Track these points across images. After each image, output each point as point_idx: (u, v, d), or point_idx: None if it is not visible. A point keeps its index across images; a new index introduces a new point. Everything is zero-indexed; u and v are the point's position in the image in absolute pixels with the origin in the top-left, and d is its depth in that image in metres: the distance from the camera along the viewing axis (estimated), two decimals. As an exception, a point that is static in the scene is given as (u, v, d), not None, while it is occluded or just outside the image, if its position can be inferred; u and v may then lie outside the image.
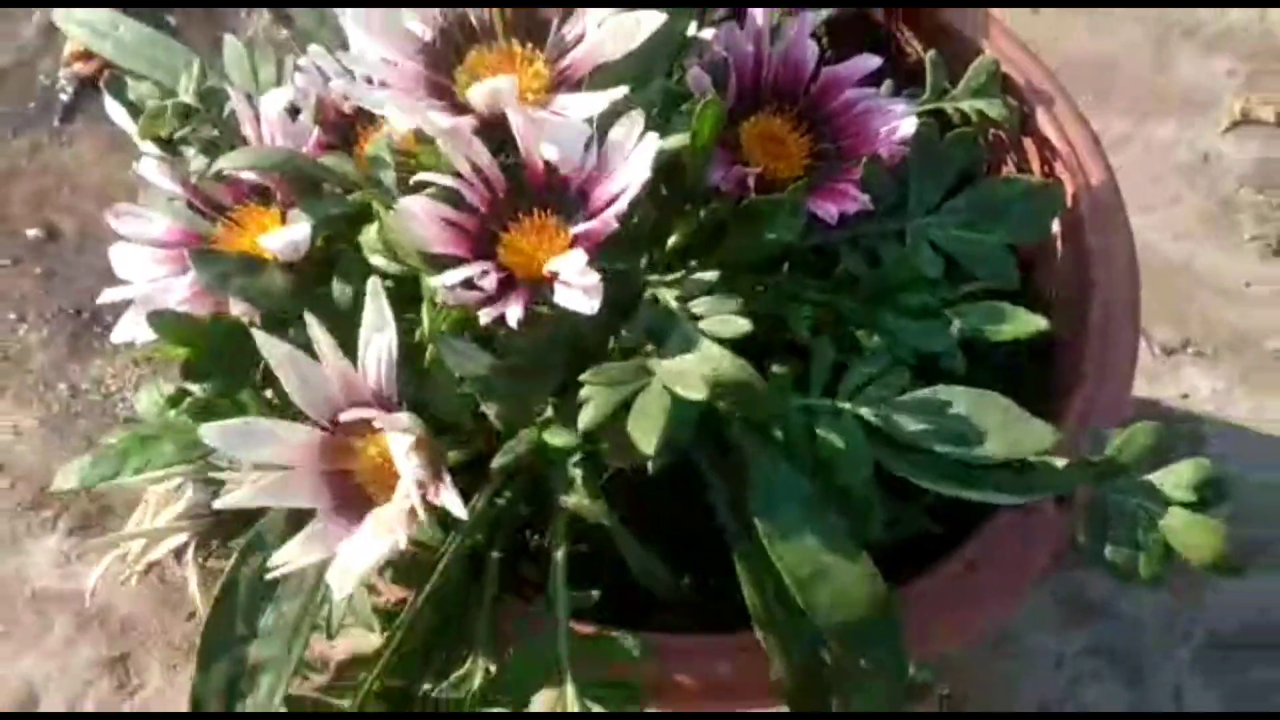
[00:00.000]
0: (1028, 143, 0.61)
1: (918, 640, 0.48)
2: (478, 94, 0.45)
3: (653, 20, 0.46)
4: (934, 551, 0.50)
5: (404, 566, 0.48)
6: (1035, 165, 0.61)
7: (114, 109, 0.57)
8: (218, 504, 0.38)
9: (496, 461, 0.44)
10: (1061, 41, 0.97)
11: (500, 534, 0.50)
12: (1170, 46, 0.97)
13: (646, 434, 0.39)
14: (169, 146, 0.55)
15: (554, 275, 0.43)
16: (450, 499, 0.39)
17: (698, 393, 0.40)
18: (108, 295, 0.50)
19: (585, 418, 0.41)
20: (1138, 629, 0.78)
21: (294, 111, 0.51)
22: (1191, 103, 0.95)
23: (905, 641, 0.45)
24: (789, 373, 0.48)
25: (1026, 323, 0.47)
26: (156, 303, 0.48)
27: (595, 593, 0.47)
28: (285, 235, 0.45)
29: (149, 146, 0.54)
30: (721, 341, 0.42)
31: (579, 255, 0.42)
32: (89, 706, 0.79)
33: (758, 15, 0.54)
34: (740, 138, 0.53)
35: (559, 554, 0.47)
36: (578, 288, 0.42)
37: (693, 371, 0.40)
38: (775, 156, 0.53)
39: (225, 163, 0.45)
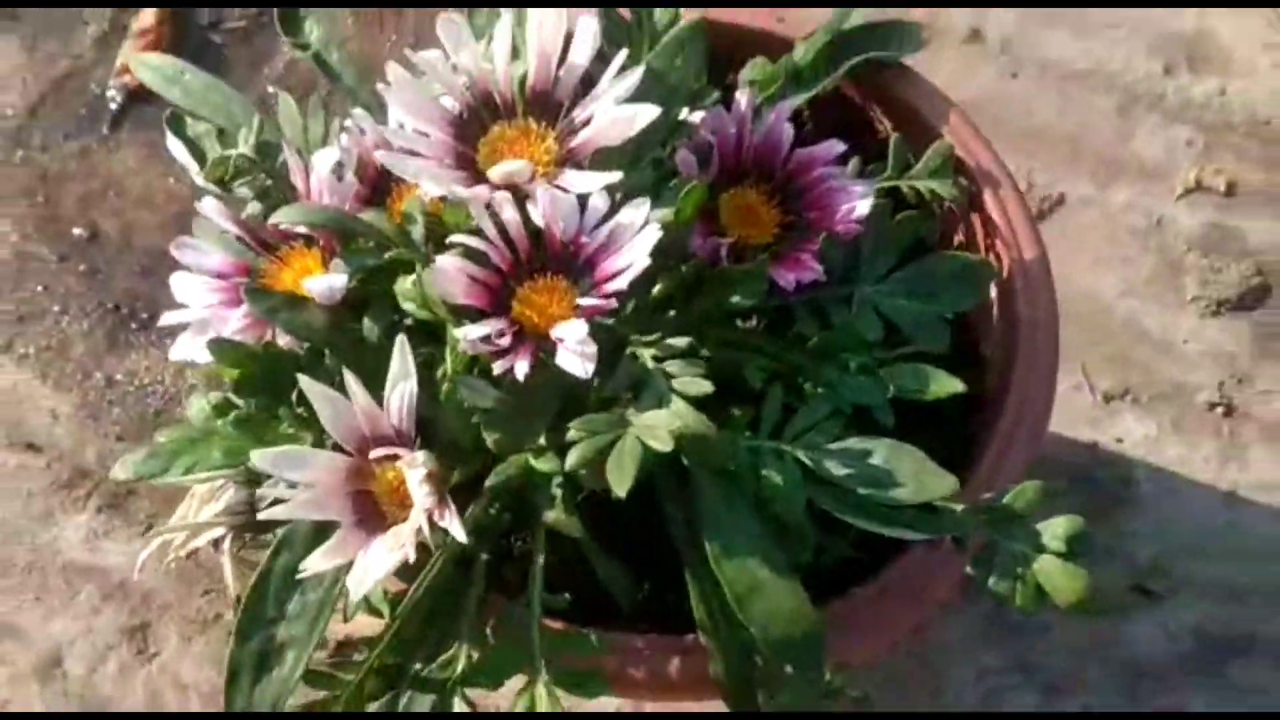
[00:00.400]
0: (975, 218, 0.69)
1: (835, 652, 0.56)
2: (496, 173, 0.53)
3: (648, 113, 0.54)
4: (856, 577, 0.59)
5: (405, 564, 0.56)
6: (980, 239, 0.69)
7: (175, 145, 0.65)
8: (262, 515, 0.47)
9: (490, 480, 0.53)
10: (1035, 110, 1.05)
11: (489, 540, 0.58)
12: (1134, 117, 1.05)
13: (622, 478, 0.48)
14: (224, 185, 0.63)
15: (559, 339, 0.51)
16: (453, 524, 0.47)
17: (665, 445, 0.48)
18: (168, 318, 0.58)
19: (571, 460, 0.50)
20: (1055, 649, 0.86)
21: (339, 166, 0.60)
22: (1150, 170, 1.03)
23: (824, 651, 0.53)
24: (744, 416, 0.57)
25: (946, 384, 0.55)
26: (212, 328, 0.56)
27: (566, 595, 0.56)
28: (325, 281, 0.54)
29: (208, 185, 0.62)
30: (687, 399, 0.50)
31: (580, 325, 0.51)
32: (109, 669, 0.88)
33: (742, 100, 0.62)
34: (720, 208, 0.62)
35: (538, 561, 0.55)
36: (576, 353, 0.50)
37: (662, 426, 0.49)
38: (749, 225, 0.62)
39: (281, 217, 0.53)
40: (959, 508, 0.54)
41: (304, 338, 0.54)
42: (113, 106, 1.08)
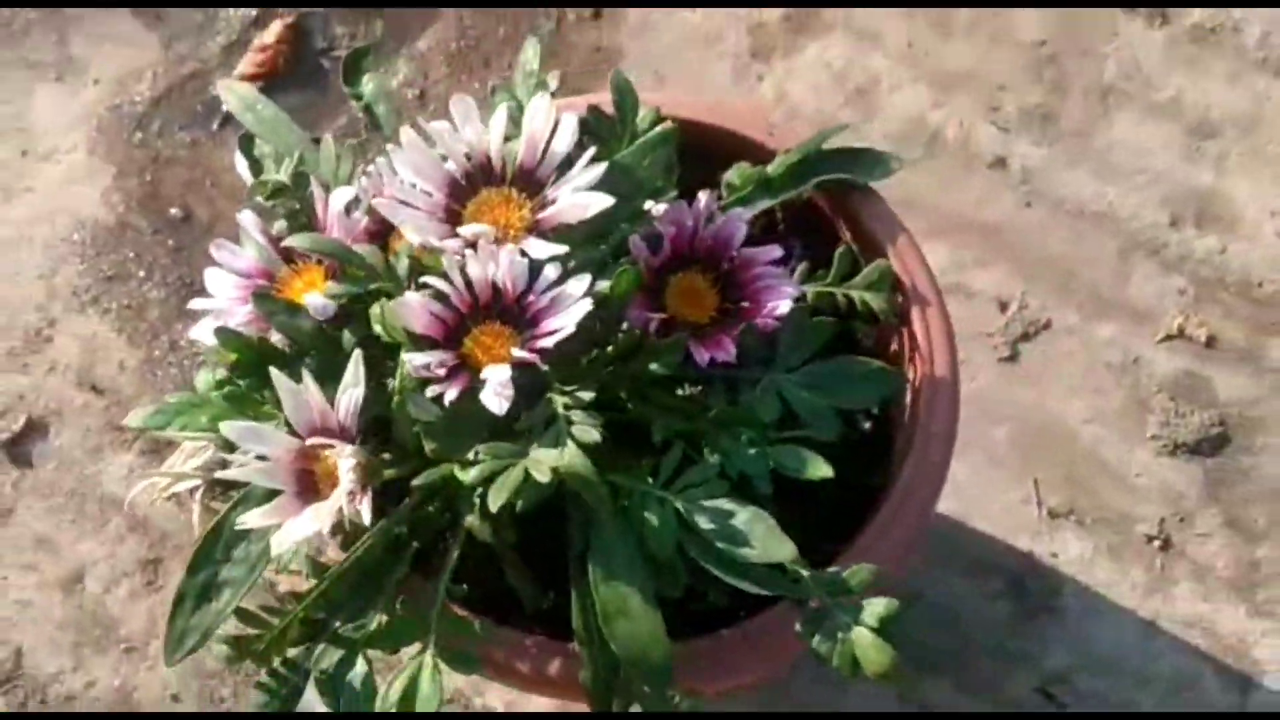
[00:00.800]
0: (905, 331, 0.78)
1: (691, 679, 0.66)
2: (466, 230, 0.65)
3: (601, 202, 0.65)
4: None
5: (346, 538, 0.67)
6: (906, 350, 0.78)
7: (240, 162, 0.78)
8: (220, 473, 0.58)
9: (417, 481, 0.64)
10: (1042, 240, 1.13)
11: (424, 533, 0.69)
12: (1133, 261, 1.12)
13: (496, 497, 0.58)
14: (267, 201, 0.76)
15: (485, 378, 0.62)
16: (364, 510, 0.58)
17: (544, 478, 0.59)
18: (196, 303, 0.71)
19: (470, 476, 0.60)
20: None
21: (355, 203, 0.71)
22: (1138, 312, 1.10)
23: (670, 675, 0.63)
24: (648, 465, 0.67)
25: (819, 469, 0.65)
26: (225, 318, 0.68)
27: (464, 586, 0.66)
28: (317, 300, 0.65)
29: (254, 200, 0.75)
30: (579, 443, 0.60)
31: (504, 370, 0.61)
32: (121, 592, 1.01)
33: (702, 199, 0.73)
34: (667, 287, 0.72)
35: (451, 554, 0.66)
36: (496, 393, 0.61)
37: (548, 462, 0.59)
38: (690, 306, 0.72)
39: (292, 241, 0.66)
40: (806, 573, 0.63)
41: (293, 339, 0.66)
42: (225, 108, 1.23)
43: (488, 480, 0.60)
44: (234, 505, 0.63)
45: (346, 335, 0.67)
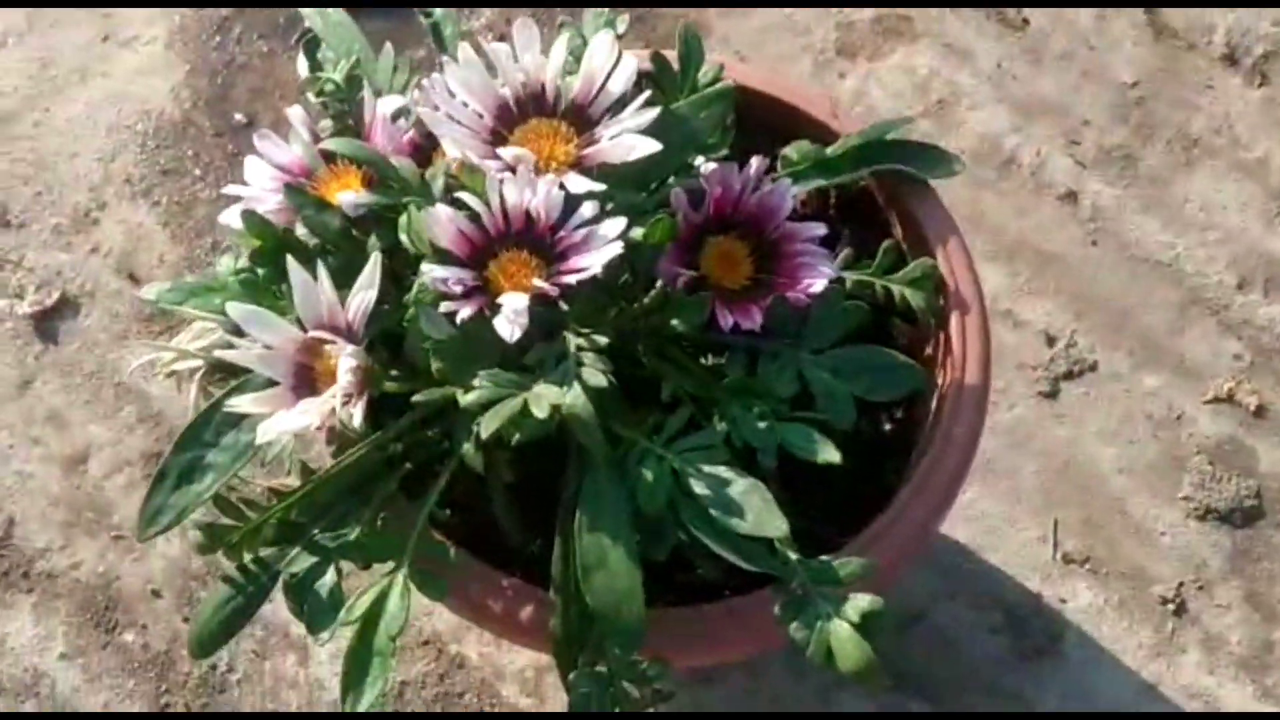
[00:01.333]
0: (941, 334, 0.76)
1: (664, 648, 0.64)
2: (507, 152, 0.63)
3: (646, 147, 0.63)
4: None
5: (339, 447, 0.66)
6: (939, 354, 0.76)
7: (302, 61, 0.77)
8: (218, 353, 0.57)
9: (417, 397, 0.62)
10: (1101, 279, 1.10)
11: (417, 451, 0.68)
12: (1191, 316, 1.09)
13: (488, 423, 0.57)
14: (317, 99, 0.75)
15: (501, 303, 0.60)
16: (355, 414, 0.57)
17: (541, 414, 0.57)
18: (231, 189, 0.70)
19: (469, 398, 0.59)
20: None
21: (402, 113, 0.70)
22: (1187, 368, 1.07)
23: (641, 637, 0.61)
24: (655, 420, 0.65)
25: (827, 453, 0.63)
26: (255, 205, 0.67)
27: (449, 513, 0.65)
28: (349, 198, 0.64)
29: (304, 100, 0.74)
30: (585, 386, 0.59)
31: (521, 299, 0.60)
32: (120, 481, 1.01)
33: (753, 164, 0.71)
34: (702, 247, 0.70)
35: (441, 479, 0.65)
36: (509, 319, 0.59)
37: (549, 399, 0.58)
38: (724, 270, 0.70)
39: (330, 143, 0.65)
40: (794, 556, 0.61)
41: (318, 234, 0.65)
42: (306, 24, 1.22)
43: (485, 407, 0.58)
44: (231, 390, 0.62)
45: (372, 240, 0.66)
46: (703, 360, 0.71)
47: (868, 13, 1.21)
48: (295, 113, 0.72)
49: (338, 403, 0.57)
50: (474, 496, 0.69)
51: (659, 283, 0.69)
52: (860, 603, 0.59)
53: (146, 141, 1.16)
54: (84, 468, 1.02)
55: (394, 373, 0.67)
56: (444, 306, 0.60)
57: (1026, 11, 1.20)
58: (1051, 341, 1.08)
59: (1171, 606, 0.99)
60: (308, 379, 0.60)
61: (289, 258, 0.60)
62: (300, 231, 0.66)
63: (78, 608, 0.97)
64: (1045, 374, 1.07)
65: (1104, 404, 1.06)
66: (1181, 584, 1.00)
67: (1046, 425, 1.05)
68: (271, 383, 0.60)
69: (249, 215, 0.64)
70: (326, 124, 0.72)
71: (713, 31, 1.20)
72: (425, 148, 0.71)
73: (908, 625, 0.97)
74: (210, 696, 0.94)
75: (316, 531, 0.65)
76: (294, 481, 0.67)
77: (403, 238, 0.63)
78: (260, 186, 0.70)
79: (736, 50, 1.20)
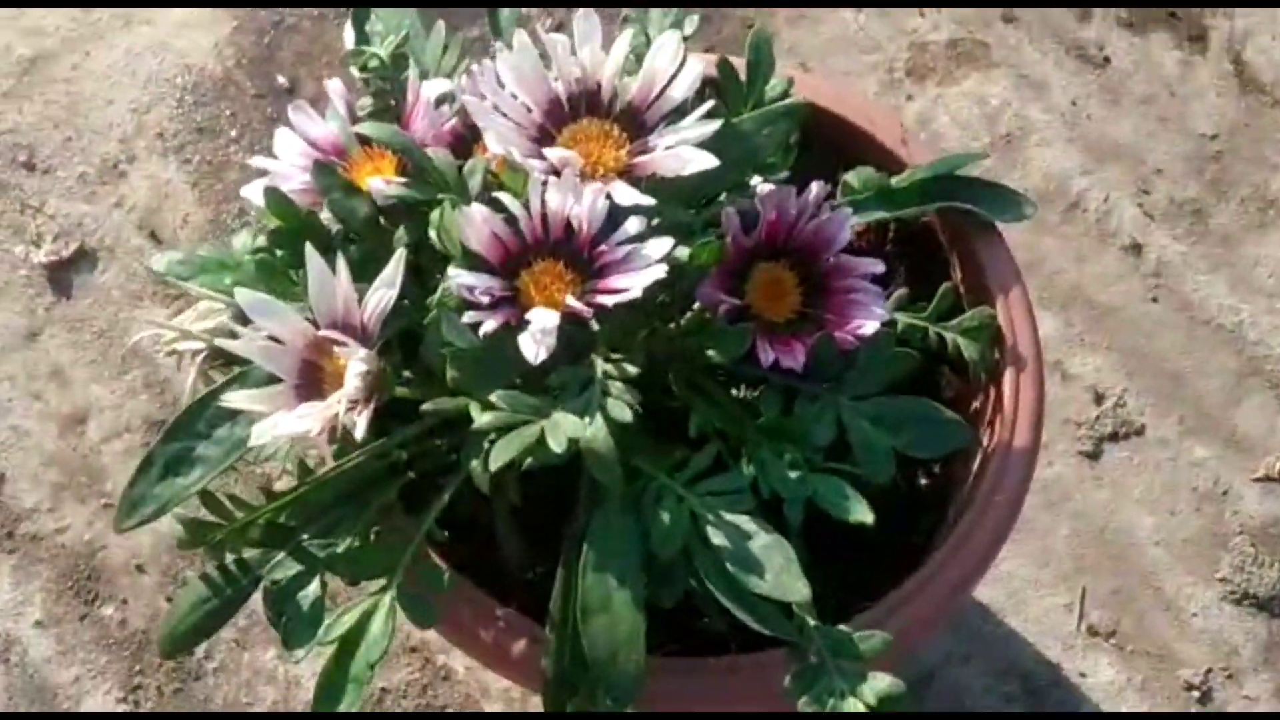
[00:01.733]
0: (993, 389, 0.71)
1: (667, 706, 0.60)
2: (553, 153, 0.59)
3: (702, 162, 0.59)
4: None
5: (340, 449, 0.62)
6: (988, 410, 0.71)
7: (348, 33, 0.73)
8: (220, 342, 0.53)
9: (426, 406, 0.58)
10: (1157, 338, 1.04)
11: (421, 463, 0.63)
12: (1249, 387, 1.03)
13: (500, 453, 0.52)
14: (361, 74, 0.70)
15: (529, 320, 0.56)
16: (360, 422, 0.52)
17: (558, 448, 0.52)
18: (256, 161, 0.66)
19: (484, 419, 0.55)
20: None
21: (447, 99, 0.66)
22: (1239, 441, 1.01)
23: (639, 688, 0.56)
24: (680, 457, 0.60)
25: (859, 513, 0.58)
26: (280, 182, 0.63)
27: (448, 534, 0.60)
28: (382, 187, 0.60)
29: (347, 72, 0.70)
30: (607, 418, 0.54)
31: (551, 316, 0.55)
32: (118, 446, 0.97)
33: (813, 189, 0.66)
34: (749, 274, 0.66)
35: (444, 496, 0.60)
36: (535, 338, 0.55)
37: (567, 431, 0.53)
38: (769, 300, 0.65)
39: (363, 127, 0.60)
40: (813, 622, 0.56)
41: (342, 220, 0.61)
42: (359, -6, 1.18)
43: (500, 430, 0.54)
44: (230, 380, 0.58)
45: (400, 233, 0.61)
46: (735, 392, 0.67)
47: (943, 34, 1.16)
48: (334, 86, 0.68)
49: (341, 409, 0.52)
50: (476, 515, 0.64)
51: (696, 305, 0.65)
52: (879, 684, 0.54)
53: (185, 97, 1.12)
54: (82, 429, 0.98)
55: (407, 375, 0.63)
56: (468, 316, 0.55)
57: (1110, 49, 1.15)
58: (1099, 399, 1.03)
59: (1197, 694, 0.94)
60: (314, 379, 0.55)
61: (308, 245, 0.56)
62: (325, 216, 0.61)
63: (59, 575, 0.94)
64: (1089, 432, 1.02)
65: (1147, 470, 1.01)
66: (1210, 670, 0.94)
67: (1085, 487, 1.00)
68: (274, 379, 0.55)
69: (271, 193, 0.60)
70: (367, 101, 0.68)
71: (780, 39, 1.15)
72: (467, 139, 0.67)
73: (917, 685, 0.92)
74: (184, 683, 0.90)
75: (306, 537, 0.60)
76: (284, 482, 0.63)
77: (432, 235, 0.59)
78: (289, 161, 0.66)
79: (802, 61, 1.15)
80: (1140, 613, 0.96)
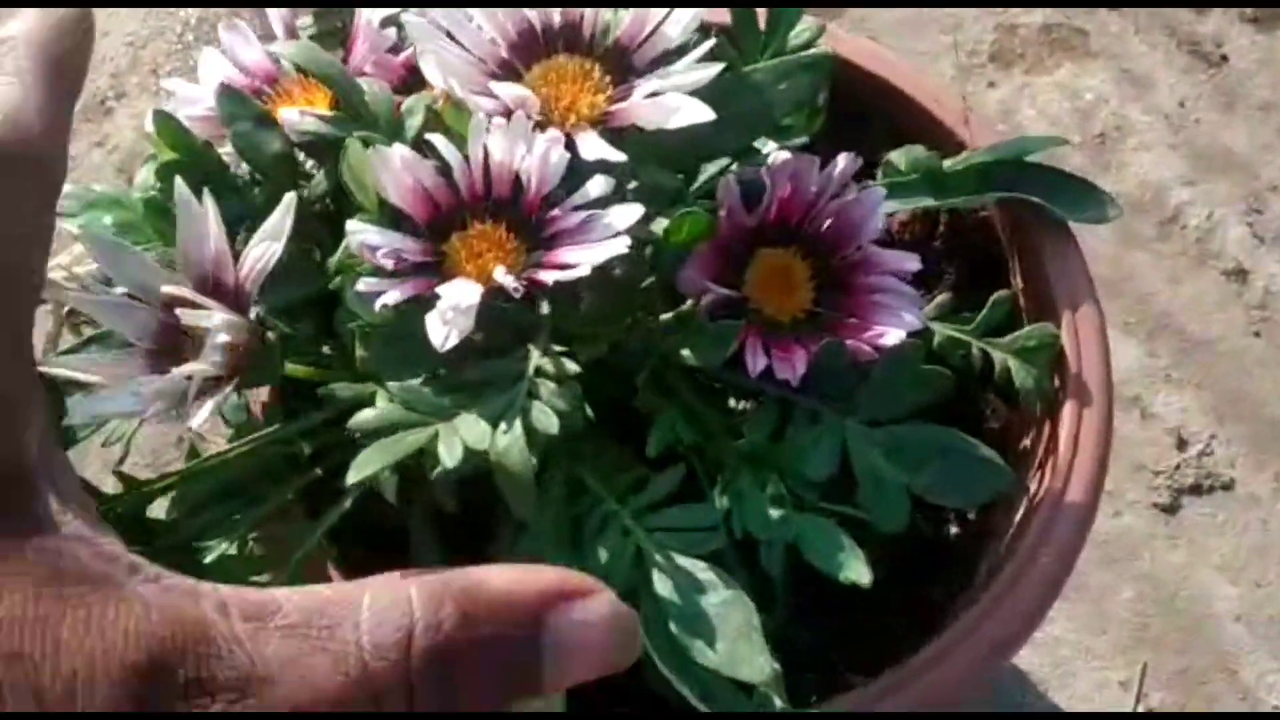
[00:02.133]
0: (1047, 424, 0.58)
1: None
2: (504, 89, 0.47)
3: (693, 113, 0.46)
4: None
5: (237, 431, 0.51)
6: (1039, 450, 0.58)
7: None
8: (56, 295, 0.42)
9: (322, 390, 0.47)
10: (1259, 379, 0.90)
11: (328, 456, 0.52)
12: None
13: (362, 465, 0.41)
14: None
15: (441, 294, 0.44)
16: (202, 411, 0.40)
17: (451, 460, 0.40)
18: (168, 83, 0.55)
19: (362, 416, 0.43)
20: None
21: (393, 25, 0.55)
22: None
23: None
24: (635, 475, 0.48)
25: (854, 570, 0.45)
26: (183, 105, 0.52)
27: (353, 534, 0.49)
28: (296, 120, 0.49)
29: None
30: (529, 429, 0.42)
31: (471, 291, 0.43)
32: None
33: (840, 162, 0.53)
34: (750, 260, 0.53)
35: (344, 501, 0.49)
36: (444, 319, 0.43)
37: (472, 441, 0.41)
38: (773, 294, 0.53)
39: (284, 49, 0.50)
40: (779, 702, 0.44)
41: (247, 157, 0.50)
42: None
43: (386, 430, 0.42)
44: (89, 341, 0.47)
45: (318, 178, 0.50)
46: (722, 403, 0.54)
47: (1036, 16, 1.02)
48: (275, 13, 0.57)
49: (192, 389, 0.41)
50: (389, 519, 0.53)
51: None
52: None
53: (185, 33, 1.02)
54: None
55: (326, 351, 0.52)
56: (363, 284, 0.44)
57: (1229, 46, 1.00)
58: (1183, 445, 0.88)
59: (1274, 801, 0.80)
60: (173, 344, 0.44)
61: (178, 181, 0.44)
62: (224, 149, 0.50)
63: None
64: (1167, 483, 0.87)
65: (1232, 531, 0.86)
66: (1291, 775, 0.80)
67: (1156, 545, 0.86)
68: (129, 343, 0.44)
69: (163, 118, 0.49)
70: (308, 21, 0.57)
71: (844, 14, 1.03)
72: (422, 77, 0.55)
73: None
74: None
75: (181, 534, 0.49)
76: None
77: (345, 178, 0.48)
78: (210, 87, 0.55)
79: (869, 37, 1.02)
80: (1210, 698, 0.82)
